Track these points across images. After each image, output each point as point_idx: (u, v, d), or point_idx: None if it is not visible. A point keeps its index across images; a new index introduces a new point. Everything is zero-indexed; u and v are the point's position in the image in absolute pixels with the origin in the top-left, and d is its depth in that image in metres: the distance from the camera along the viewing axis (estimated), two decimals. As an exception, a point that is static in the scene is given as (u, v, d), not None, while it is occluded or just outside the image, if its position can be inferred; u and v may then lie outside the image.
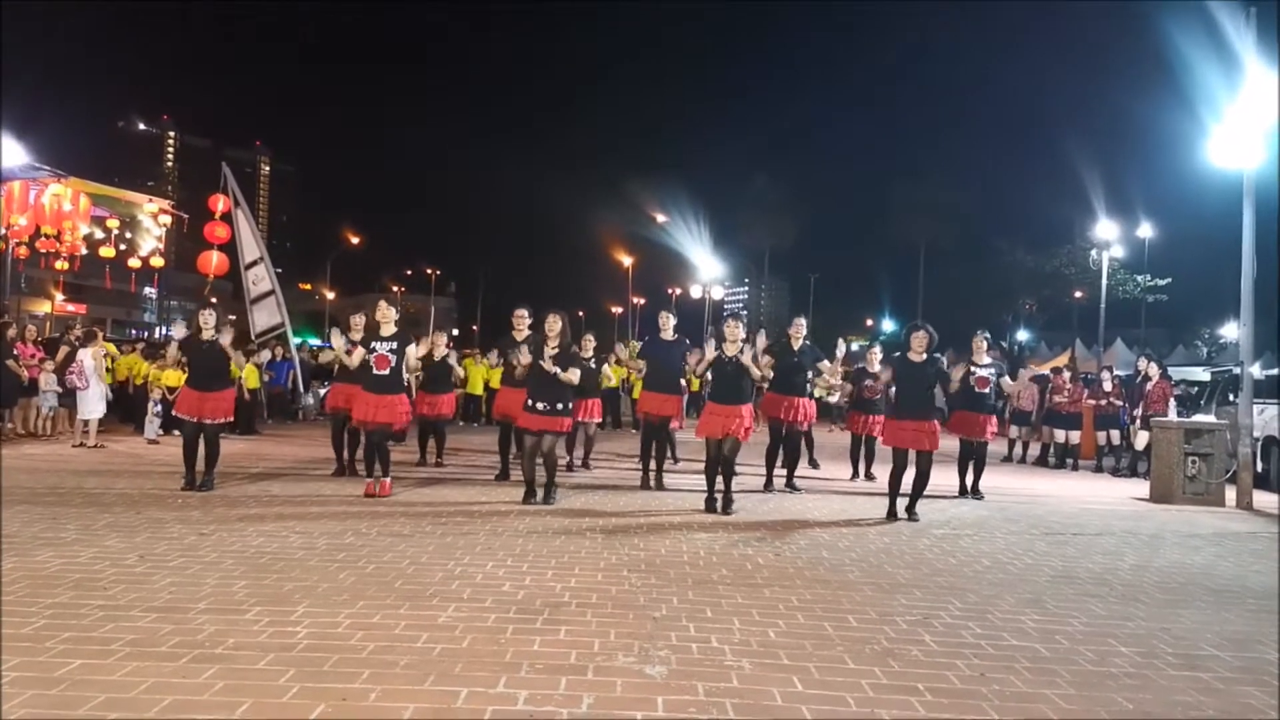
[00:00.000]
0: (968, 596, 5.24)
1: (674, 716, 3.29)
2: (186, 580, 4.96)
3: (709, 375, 8.49)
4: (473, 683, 3.53)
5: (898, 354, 8.52)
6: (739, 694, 3.52)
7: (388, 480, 8.35)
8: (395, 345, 8.27)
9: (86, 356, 12.41)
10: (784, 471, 9.74)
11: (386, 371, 8.21)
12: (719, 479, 7.95)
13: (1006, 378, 10.12)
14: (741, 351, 7.94)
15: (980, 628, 4.58)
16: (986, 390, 9.82)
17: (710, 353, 8.04)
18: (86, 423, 12.18)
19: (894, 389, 8.53)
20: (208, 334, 8.43)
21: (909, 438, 8.02)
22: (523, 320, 9.48)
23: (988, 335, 10.30)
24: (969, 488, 9.87)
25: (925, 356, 8.13)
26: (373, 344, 8.29)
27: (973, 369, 9.73)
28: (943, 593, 5.30)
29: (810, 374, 9.83)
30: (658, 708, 3.36)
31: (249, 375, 14.75)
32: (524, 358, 8.11)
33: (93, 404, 12.26)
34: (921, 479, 8.02)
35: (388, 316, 8.41)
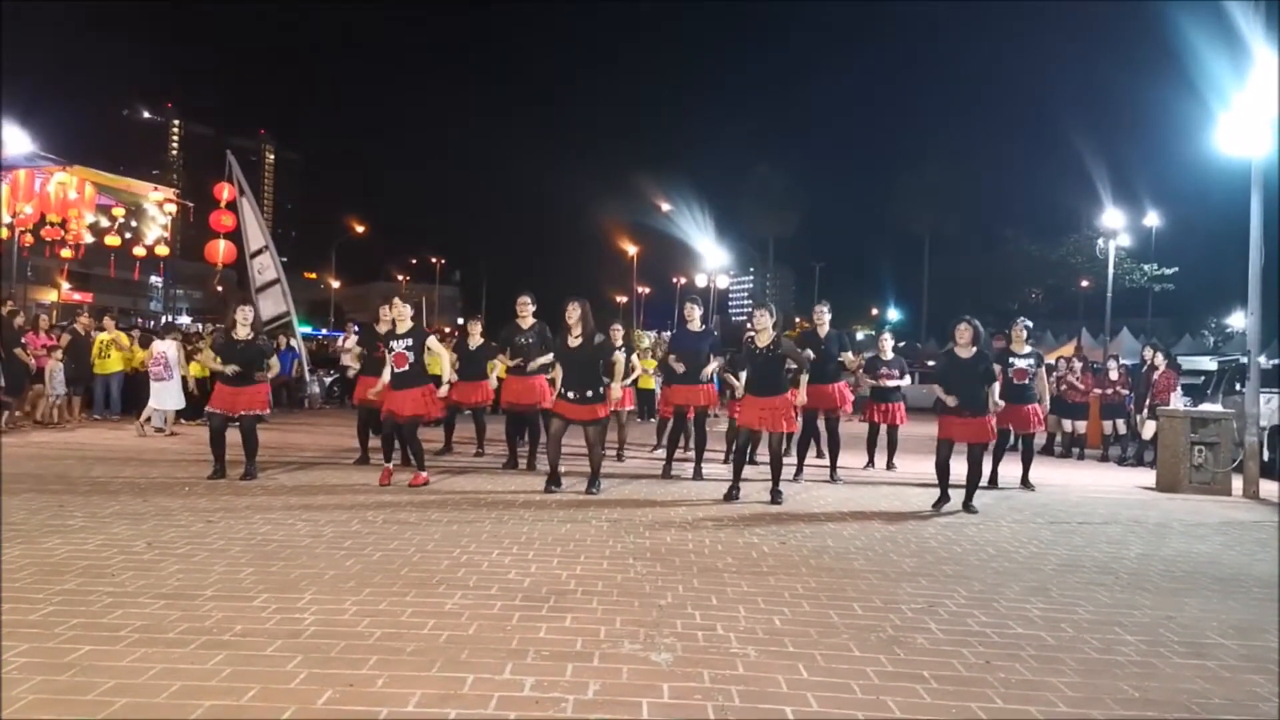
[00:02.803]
0: (973, 585, 5.24)
1: (679, 703, 3.30)
2: (194, 567, 4.98)
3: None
4: (479, 669, 3.54)
5: (945, 349, 8.46)
6: (744, 681, 3.53)
7: (424, 473, 8.42)
8: (411, 342, 8.28)
9: (170, 349, 12.76)
10: (812, 461, 9.76)
11: (406, 368, 8.24)
12: (745, 469, 7.94)
13: (1043, 372, 9.99)
14: (777, 344, 7.90)
15: (986, 616, 4.58)
16: (1026, 381, 9.66)
17: (739, 383, 8.05)
18: (156, 412, 12.57)
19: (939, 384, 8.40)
20: (243, 331, 8.48)
21: (963, 431, 7.93)
22: (526, 308, 9.47)
23: (1029, 324, 10.20)
24: (1021, 479, 9.82)
25: (974, 350, 8.00)
26: (391, 343, 8.33)
27: (1011, 360, 9.66)
28: (948, 581, 5.31)
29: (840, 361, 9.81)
30: (663, 694, 3.37)
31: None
32: (541, 360, 8.22)
33: (172, 395, 12.65)
34: (975, 470, 7.98)
35: (403, 314, 8.41)
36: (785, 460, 8.32)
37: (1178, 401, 11.52)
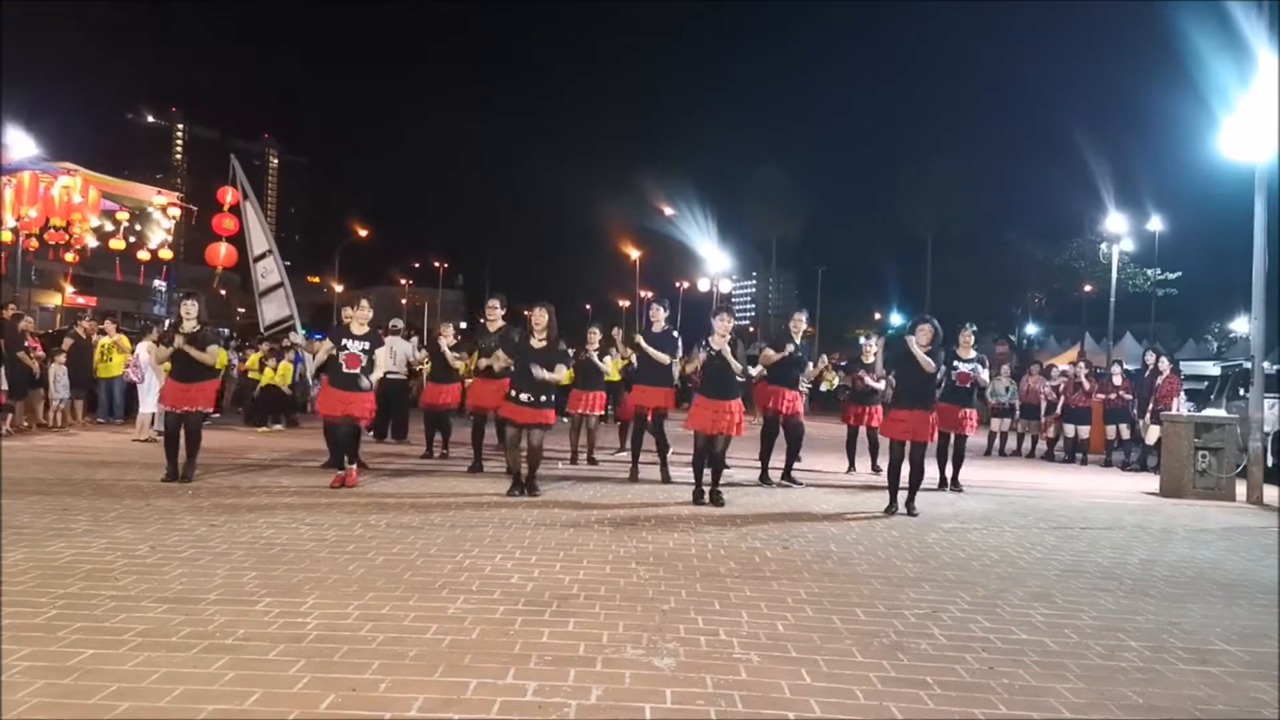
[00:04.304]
0: (976, 590, 5.23)
1: (682, 709, 3.29)
2: (197, 571, 4.98)
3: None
4: (482, 674, 3.54)
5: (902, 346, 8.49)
6: (747, 686, 3.53)
7: (354, 468, 8.42)
8: (366, 345, 8.31)
9: (142, 350, 12.62)
10: (780, 465, 9.74)
11: (356, 371, 8.25)
12: (707, 472, 7.99)
13: (984, 374, 10.02)
14: (732, 344, 7.92)
15: (989, 621, 4.58)
16: (967, 385, 9.72)
17: (699, 357, 8.10)
18: (153, 416, 12.35)
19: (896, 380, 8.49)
20: (189, 325, 8.48)
21: (904, 429, 7.98)
22: (495, 311, 9.56)
23: (974, 328, 10.22)
24: (949, 480, 9.84)
25: (929, 349, 8.08)
26: (344, 341, 8.31)
27: (955, 364, 9.69)
28: (951, 586, 5.30)
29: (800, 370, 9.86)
30: (666, 700, 3.36)
31: (283, 371, 15.01)
32: (500, 361, 8.28)
33: (150, 397, 12.39)
34: (916, 472, 8.01)
35: (362, 316, 8.43)
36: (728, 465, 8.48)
37: (1181, 407, 11.49)
